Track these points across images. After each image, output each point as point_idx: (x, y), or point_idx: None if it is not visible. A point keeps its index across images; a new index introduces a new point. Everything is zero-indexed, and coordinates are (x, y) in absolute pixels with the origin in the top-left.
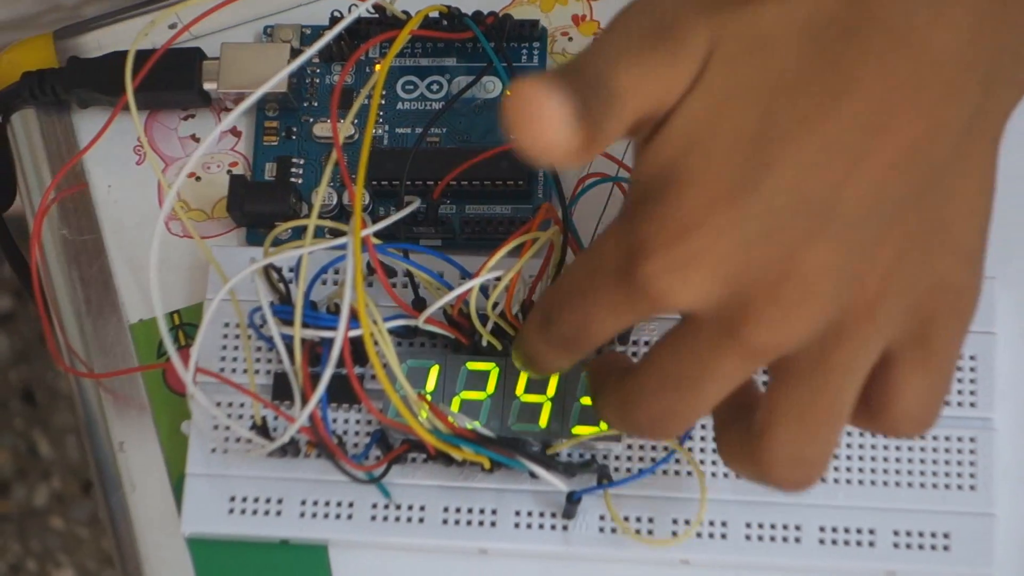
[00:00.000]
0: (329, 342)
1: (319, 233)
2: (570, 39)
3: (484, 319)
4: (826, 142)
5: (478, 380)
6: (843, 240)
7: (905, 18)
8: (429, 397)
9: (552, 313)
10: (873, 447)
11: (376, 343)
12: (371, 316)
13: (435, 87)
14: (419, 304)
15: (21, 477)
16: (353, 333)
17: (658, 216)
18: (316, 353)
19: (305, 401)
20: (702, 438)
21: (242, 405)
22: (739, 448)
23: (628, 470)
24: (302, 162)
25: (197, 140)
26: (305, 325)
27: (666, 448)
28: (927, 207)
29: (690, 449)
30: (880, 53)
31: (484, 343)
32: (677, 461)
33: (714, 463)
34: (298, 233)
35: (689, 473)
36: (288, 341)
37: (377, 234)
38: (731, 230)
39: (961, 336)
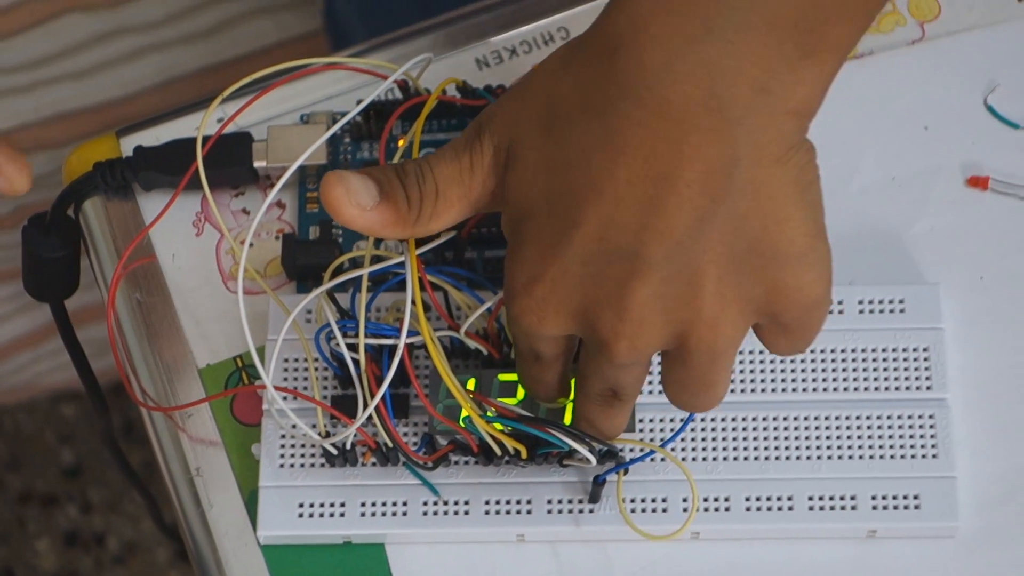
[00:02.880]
0: (386, 359)
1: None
2: None
3: None
4: (616, 198)
5: (509, 389)
6: (658, 275)
7: (648, 89)
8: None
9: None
10: (848, 428)
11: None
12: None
13: None
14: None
15: None
16: (410, 340)
17: (511, 270)
18: (375, 374)
19: (366, 405)
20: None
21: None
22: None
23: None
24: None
25: (247, 213)
26: (368, 335)
27: (680, 431)
28: (730, 231)
29: (671, 449)
30: (639, 120)
31: (513, 355)
32: (683, 449)
33: (713, 450)
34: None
35: (694, 459)
36: (348, 355)
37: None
38: (562, 278)
39: (813, 316)
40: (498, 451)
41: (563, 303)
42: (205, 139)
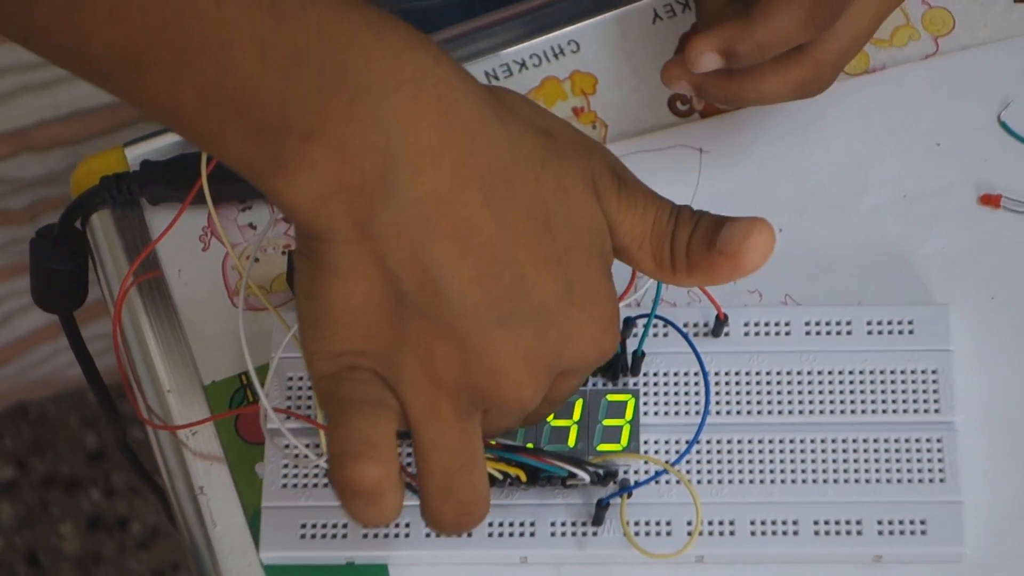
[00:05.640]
0: None
1: None
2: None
3: None
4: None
5: None
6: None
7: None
8: None
9: None
10: (855, 451)
11: None
12: None
13: None
14: None
15: None
16: None
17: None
18: None
19: None
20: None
21: (307, 446)
22: None
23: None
24: None
25: (254, 228)
26: None
27: (687, 451)
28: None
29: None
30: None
31: None
32: (687, 472)
33: (719, 472)
34: None
35: (699, 482)
36: None
37: None
38: None
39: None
40: (499, 476)
41: None
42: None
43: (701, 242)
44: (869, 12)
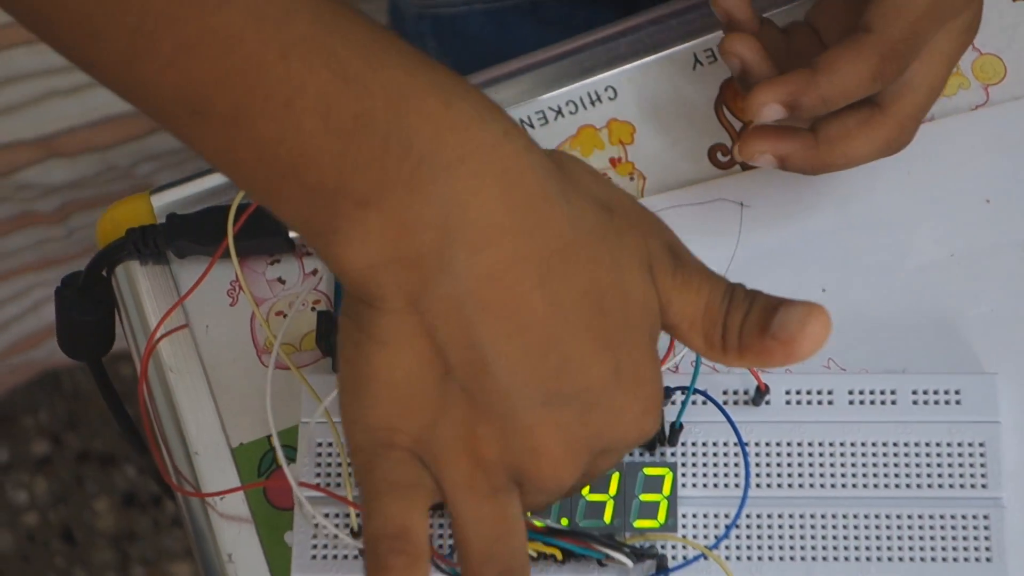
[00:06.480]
0: None
1: None
2: (608, 179)
3: None
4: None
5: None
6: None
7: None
8: None
9: None
10: (899, 527)
11: None
12: None
13: None
14: None
15: None
16: None
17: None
18: None
19: None
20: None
21: (336, 516)
22: None
23: (684, 558)
24: None
25: (283, 282)
26: None
27: (715, 537)
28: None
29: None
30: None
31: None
32: (727, 548)
33: (759, 549)
34: None
35: (738, 559)
36: None
37: None
38: None
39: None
40: (534, 555)
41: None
42: (239, 211)
43: (754, 326)
44: (943, 59)
